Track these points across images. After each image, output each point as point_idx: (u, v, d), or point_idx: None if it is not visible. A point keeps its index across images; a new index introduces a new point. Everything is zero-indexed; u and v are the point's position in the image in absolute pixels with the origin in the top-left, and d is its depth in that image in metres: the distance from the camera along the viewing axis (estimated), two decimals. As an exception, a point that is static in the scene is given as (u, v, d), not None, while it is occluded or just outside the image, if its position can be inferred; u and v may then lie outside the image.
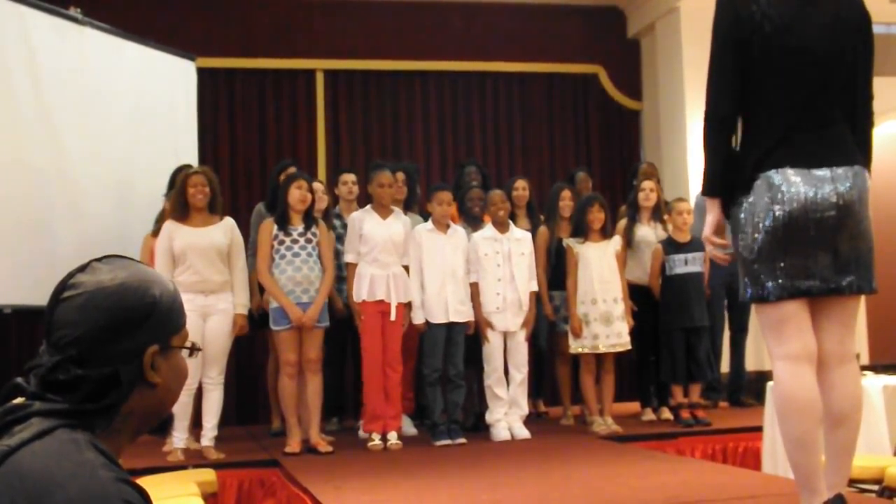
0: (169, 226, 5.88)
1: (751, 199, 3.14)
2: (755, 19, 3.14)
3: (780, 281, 3.10)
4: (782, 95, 3.17)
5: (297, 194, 6.03)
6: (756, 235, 3.12)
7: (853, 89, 3.28)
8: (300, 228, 6.05)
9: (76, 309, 1.50)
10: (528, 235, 6.70)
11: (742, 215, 3.17)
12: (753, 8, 3.15)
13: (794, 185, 3.07)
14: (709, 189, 3.32)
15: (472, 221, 6.80)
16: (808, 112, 3.15)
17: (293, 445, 5.95)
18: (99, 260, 1.57)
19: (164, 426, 1.67)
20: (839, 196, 3.08)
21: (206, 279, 5.81)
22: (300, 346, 6.02)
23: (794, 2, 3.17)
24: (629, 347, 6.64)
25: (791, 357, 3.13)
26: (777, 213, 3.07)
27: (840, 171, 3.11)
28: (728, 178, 3.26)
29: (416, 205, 7.21)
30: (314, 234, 6.07)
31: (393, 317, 6.17)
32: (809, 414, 3.11)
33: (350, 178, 7.08)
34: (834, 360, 3.19)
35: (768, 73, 3.17)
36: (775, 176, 3.09)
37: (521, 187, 7.32)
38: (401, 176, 6.95)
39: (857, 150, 3.21)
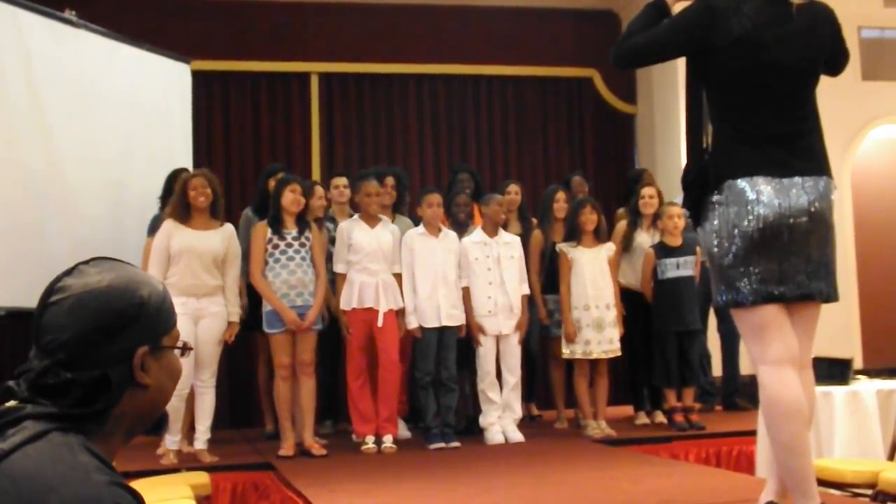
0: (168, 225, 5.85)
1: (724, 206, 3.16)
2: (733, 31, 3.17)
3: (753, 286, 3.13)
4: (757, 106, 3.21)
5: (290, 197, 6.03)
6: (731, 241, 3.15)
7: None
8: (294, 232, 6.05)
9: (64, 312, 1.49)
10: (518, 239, 6.70)
11: (716, 221, 3.19)
12: (733, 24, 3.17)
13: (766, 194, 3.12)
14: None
15: (458, 228, 6.77)
16: (780, 123, 3.20)
17: (287, 448, 5.95)
18: (86, 262, 1.57)
19: (158, 426, 1.66)
20: (810, 203, 3.13)
21: (201, 283, 5.80)
22: (294, 349, 6.02)
23: (770, 17, 3.20)
24: (619, 353, 6.65)
25: (775, 361, 3.15)
26: (752, 219, 3.11)
27: (809, 180, 3.16)
28: (695, 177, 3.29)
29: (404, 208, 7.19)
30: (307, 238, 6.07)
31: (380, 323, 6.16)
32: (797, 417, 3.12)
33: (342, 181, 7.07)
34: (796, 364, 3.21)
35: (743, 84, 3.21)
36: (747, 183, 3.13)
37: (514, 191, 7.33)
38: (390, 181, 6.93)
39: (826, 161, 3.25)
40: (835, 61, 3.40)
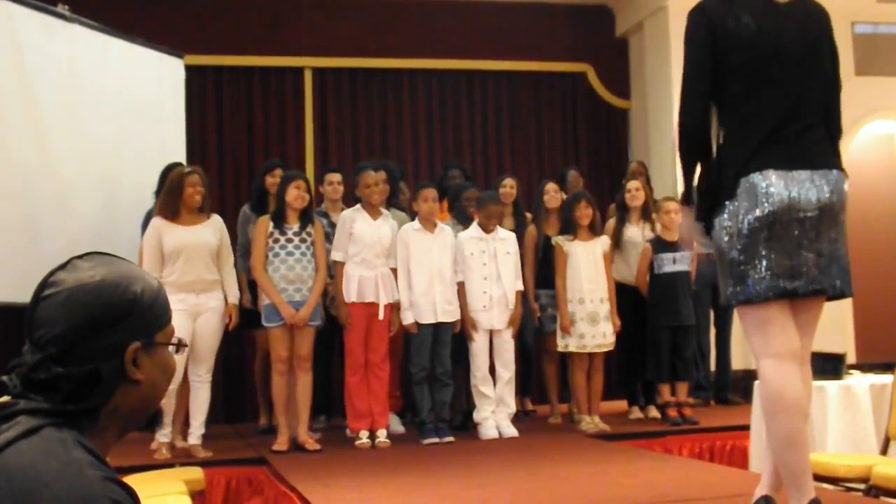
0: (158, 223, 5.85)
1: (734, 202, 3.15)
2: (731, 30, 3.17)
3: (765, 281, 3.11)
4: (762, 102, 3.20)
5: (294, 193, 6.03)
6: (740, 236, 3.13)
7: (827, 94, 3.30)
8: (295, 227, 6.06)
9: (56, 307, 1.49)
10: (513, 235, 6.69)
11: (726, 216, 3.18)
12: (730, 19, 3.18)
13: (775, 186, 3.09)
14: (683, 199, 3.54)
15: (464, 220, 6.78)
16: (787, 117, 3.18)
17: (282, 443, 5.94)
18: (80, 257, 1.57)
19: (152, 421, 1.66)
20: (820, 197, 3.11)
21: (199, 278, 5.81)
22: (291, 344, 6.01)
23: (768, 12, 3.21)
24: (612, 348, 6.66)
25: (777, 355, 3.15)
26: (760, 213, 3.09)
27: (820, 173, 3.14)
28: (708, 185, 3.28)
29: (397, 201, 7.16)
30: (309, 234, 6.08)
31: (381, 316, 6.17)
32: (797, 412, 3.12)
33: (336, 177, 7.05)
34: (797, 359, 3.21)
35: (747, 81, 3.20)
36: (758, 178, 3.11)
37: (509, 185, 7.32)
38: (382, 175, 6.91)
39: (835, 153, 3.24)
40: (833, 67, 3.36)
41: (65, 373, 1.46)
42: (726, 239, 3.18)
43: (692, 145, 3.32)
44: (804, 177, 3.12)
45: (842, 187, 3.18)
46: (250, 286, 6.58)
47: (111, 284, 1.52)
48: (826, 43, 3.31)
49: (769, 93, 3.19)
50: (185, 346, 1.67)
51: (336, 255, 6.28)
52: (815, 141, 3.21)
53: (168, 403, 5.73)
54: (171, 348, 1.61)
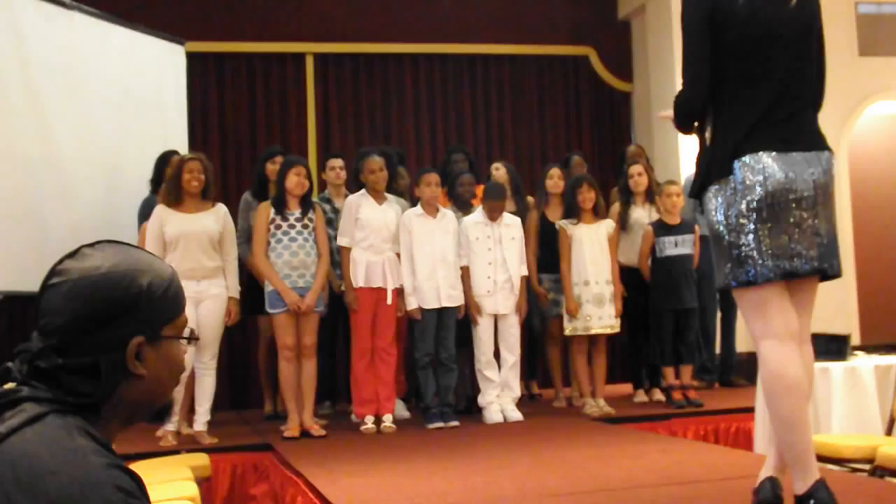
0: (160, 211, 5.86)
1: (729, 185, 3.14)
2: (727, 8, 3.17)
3: (767, 263, 3.10)
4: (755, 84, 3.20)
5: (294, 180, 6.02)
6: (738, 217, 3.13)
7: (818, 75, 3.29)
8: (297, 213, 6.05)
9: (60, 297, 1.48)
10: (518, 220, 6.69)
11: (721, 199, 3.17)
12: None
13: (770, 167, 3.09)
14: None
15: (462, 206, 6.79)
16: (779, 99, 3.18)
17: (292, 429, 5.94)
18: (91, 246, 1.54)
19: (161, 414, 1.63)
20: (815, 177, 3.12)
21: (199, 265, 5.80)
22: (296, 330, 6.01)
23: None
24: (618, 329, 6.66)
25: (776, 336, 3.15)
26: (757, 195, 3.09)
27: (812, 154, 3.15)
28: (702, 164, 3.28)
29: (395, 186, 7.15)
30: (311, 220, 6.07)
31: (389, 301, 6.18)
32: (798, 392, 3.12)
33: (337, 163, 7.05)
34: (796, 339, 3.21)
35: (740, 61, 3.20)
36: (752, 159, 3.11)
37: (495, 168, 7.35)
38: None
39: (824, 135, 3.24)
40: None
41: (64, 363, 1.45)
42: (723, 222, 3.17)
43: (690, 114, 3.30)
44: (799, 158, 3.13)
45: (832, 168, 3.20)
46: (249, 273, 6.57)
47: (116, 277, 1.49)
48: (817, 24, 3.31)
49: (762, 75, 3.19)
50: (197, 338, 1.64)
51: (342, 241, 6.28)
52: (808, 122, 3.23)
53: (178, 389, 5.73)
54: (183, 341, 1.59)
